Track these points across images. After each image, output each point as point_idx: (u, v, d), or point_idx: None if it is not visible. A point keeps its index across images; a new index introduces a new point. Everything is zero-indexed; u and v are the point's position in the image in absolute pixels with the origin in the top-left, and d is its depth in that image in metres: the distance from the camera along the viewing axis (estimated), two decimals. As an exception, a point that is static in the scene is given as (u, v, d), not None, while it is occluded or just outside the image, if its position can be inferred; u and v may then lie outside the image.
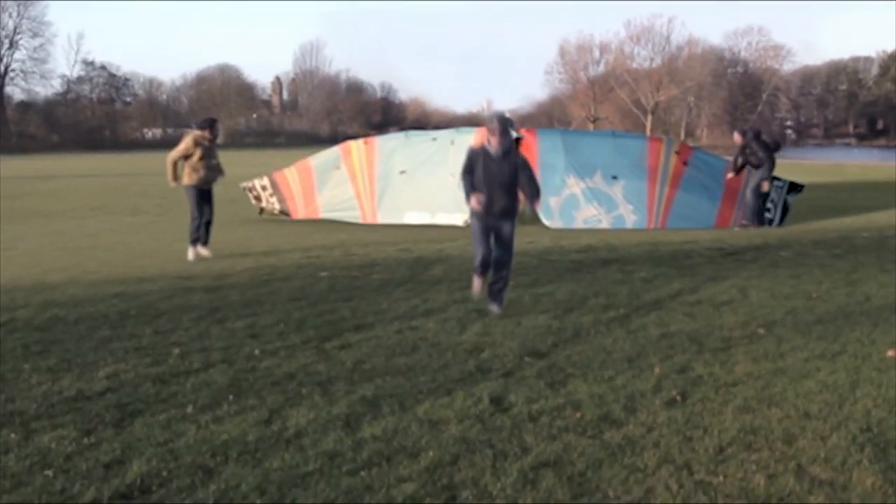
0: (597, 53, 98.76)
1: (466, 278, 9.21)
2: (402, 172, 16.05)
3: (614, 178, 15.06)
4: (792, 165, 31.36)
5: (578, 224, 14.88)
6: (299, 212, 16.43)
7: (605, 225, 14.78)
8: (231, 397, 5.06)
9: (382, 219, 15.77)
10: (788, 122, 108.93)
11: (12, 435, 4.40)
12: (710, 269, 9.89)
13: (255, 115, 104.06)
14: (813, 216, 16.18)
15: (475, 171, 7.34)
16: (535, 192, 7.48)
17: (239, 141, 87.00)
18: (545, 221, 14.87)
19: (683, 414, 4.78)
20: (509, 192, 7.40)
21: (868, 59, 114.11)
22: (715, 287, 8.71)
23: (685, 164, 14.80)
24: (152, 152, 65.38)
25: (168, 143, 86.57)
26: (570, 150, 15.59)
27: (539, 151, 15.43)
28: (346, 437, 4.38)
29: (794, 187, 14.56)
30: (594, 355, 6.11)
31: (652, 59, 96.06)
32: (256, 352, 6.18)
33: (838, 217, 16.09)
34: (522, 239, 12.61)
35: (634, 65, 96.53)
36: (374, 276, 9.46)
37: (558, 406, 4.90)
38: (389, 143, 17.18)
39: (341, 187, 16.35)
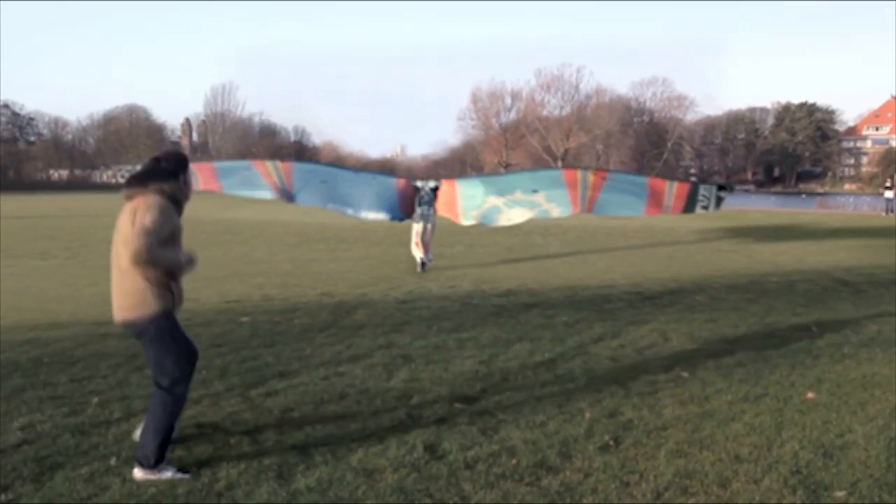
0: (508, 101, 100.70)
1: (390, 323, 9.20)
2: (324, 182, 16.09)
3: (534, 191, 15.42)
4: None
5: (502, 223, 15.79)
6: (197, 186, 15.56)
7: (530, 216, 15.70)
8: (155, 448, 4.84)
9: (301, 202, 16.03)
10: (692, 170, 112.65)
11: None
12: (629, 313, 10.04)
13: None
14: (723, 261, 16.66)
15: None
16: None
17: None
18: (464, 223, 15.86)
19: (618, 459, 4.79)
20: None
21: (764, 110, 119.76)
22: (636, 331, 8.84)
23: (603, 179, 15.05)
24: (58, 194, 63.55)
25: (75, 186, 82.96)
26: (488, 182, 16.35)
27: (459, 188, 16.05)
28: (280, 488, 4.25)
29: (722, 188, 15.03)
30: (524, 400, 6.11)
31: (562, 108, 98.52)
32: (179, 400, 5.95)
33: (746, 262, 16.60)
34: (444, 283, 12.68)
35: (545, 112, 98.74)
36: (295, 321, 9.30)
37: (493, 453, 4.86)
38: (309, 166, 17.45)
39: (250, 176, 16.03)
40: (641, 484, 4.41)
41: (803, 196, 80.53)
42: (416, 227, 15.11)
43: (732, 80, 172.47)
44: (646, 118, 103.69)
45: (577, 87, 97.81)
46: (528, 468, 4.62)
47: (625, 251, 19.15)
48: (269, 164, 16.03)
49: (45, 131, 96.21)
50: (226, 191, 16.23)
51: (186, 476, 4.33)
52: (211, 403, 5.91)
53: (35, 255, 17.42)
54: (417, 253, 14.89)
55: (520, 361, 7.38)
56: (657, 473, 4.55)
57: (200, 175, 15.92)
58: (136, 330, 4.50)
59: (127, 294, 4.40)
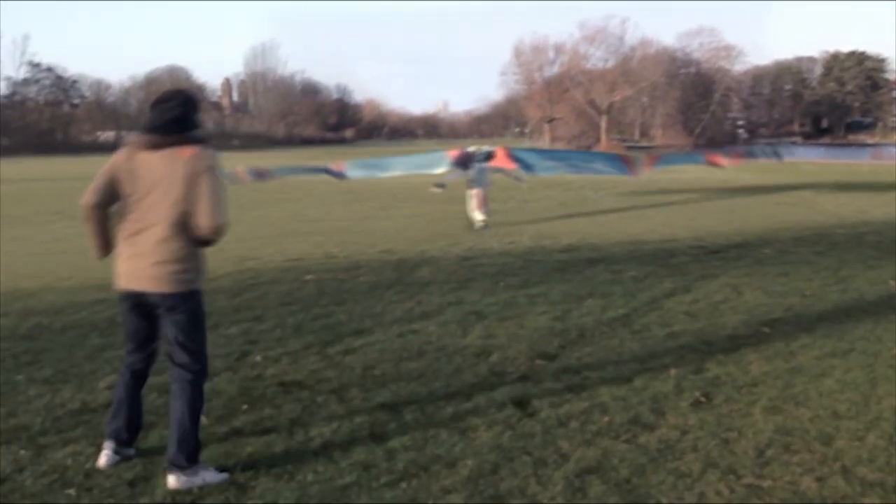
0: (551, 54, 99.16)
1: (455, 280, 9.15)
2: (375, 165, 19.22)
3: (591, 160, 17.28)
4: (749, 166, 31.65)
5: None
6: None
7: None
8: (245, 406, 4.87)
9: (352, 175, 18.35)
10: (740, 122, 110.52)
11: (22, 451, 4.17)
12: (697, 267, 9.86)
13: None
14: (785, 214, 16.33)
15: None
16: None
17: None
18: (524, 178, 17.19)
19: (713, 416, 4.69)
20: None
21: (812, 59, 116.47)
22: (707, 286, 8.67)
23: (657, 157, 15.52)
24: (106, 155, 64.26)
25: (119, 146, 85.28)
26: (545, 153, 17.28)
27: (515, 155, 17.28)
28: (376, 446, 4.22)
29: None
30: (605, 356, 6.02)
31: (606, 60, 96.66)
32: (258, 358, 5.99)
33: (809, 214, 16.25)
34: (503, 239, 12.59)
35: (589, 65, 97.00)
36: (361, 279, 9.28)
37: (584, 410, 4.79)
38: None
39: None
40: (741, 441, 4.31)
41: (853, 147, 78.69)
42: (471, 192, 15.06)
43: (780, 28, 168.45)
44: (692, 69, 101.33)
45: (621, 39, 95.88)
46: (623, 425, 4.54)
47: (681, 205, 18.84)
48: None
49: (88, 94, 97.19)
50: (276, 176, 17.73)
51: (225, 477, 3.84)
52: (291, 362, 5.91)
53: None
54: (477, 215, 14.81)
55: (594, 317, 7.28)
56: (756, 430, 4.45)
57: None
58: (168, 304, 3.85)
59: (169, 261, 3.79)
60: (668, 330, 6.81)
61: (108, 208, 3.93)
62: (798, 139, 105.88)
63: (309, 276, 9.45)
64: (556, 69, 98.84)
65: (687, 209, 17.80)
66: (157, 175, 3.77)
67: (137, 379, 4.12)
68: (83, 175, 31.88)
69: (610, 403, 4.91)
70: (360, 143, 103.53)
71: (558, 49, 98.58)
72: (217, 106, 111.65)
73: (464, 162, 15.60)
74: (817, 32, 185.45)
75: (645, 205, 19.05)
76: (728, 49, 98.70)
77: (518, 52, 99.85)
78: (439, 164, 17.23)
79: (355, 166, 18.85)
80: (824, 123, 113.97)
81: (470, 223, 14.80)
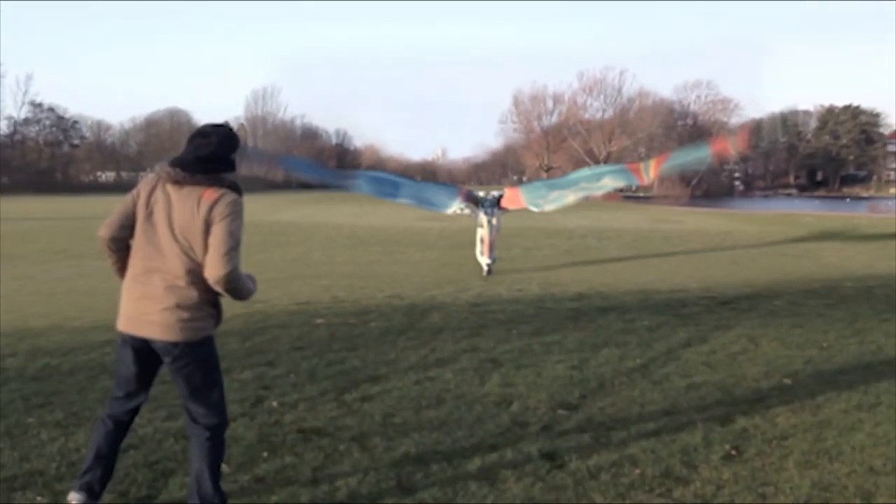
0: (550, 104, 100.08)
1: (467, 326, 9.04)
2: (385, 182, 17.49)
3: (599, 177, 15.98)
4: (746, 216, 31.80)
5: (568, 202, 16.11)
6: None
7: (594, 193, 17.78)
8: (265, 454, 4.74)
9: (361, 190, 16.96)
10: (737, 174, 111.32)
11: (38, 498, 4.03)
12: (710, 318, 9.78)
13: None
14: (790, 266, 16.31)
15: None
16: None
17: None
18: (531, 208, 16.00)
19: (746, 470, 4.58)
20: None
21: (807, 113, 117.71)
22: (723, 337, 8.59)
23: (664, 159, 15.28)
24: (106, 195, 64.32)
25: (122, 187, 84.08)
26: (551, 182, 17.91)
27: (522, 190, 16.91)
28: (404, 497, 4.09)
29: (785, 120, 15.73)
30: (627, 407, 5.91)
31: (604, 111, 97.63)
32: (275, 404, 5.86)
33: (814, 266, 16.23)
34: (511, 286, 12.52)
35: (587, 115, 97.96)
36: (372, 324, 9.18)
37: (614, 462, 4.67)
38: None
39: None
40: (779, 496, 4.19)
41: (848, 200, 79.18)
42: (481, 233, 15.29)
43: (776, 82, 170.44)
44: (689, 121, 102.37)
45: (619, 90, 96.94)
46: (656, 478, 4.42)
47: (685, 255, 18.85)
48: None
49: (88, 134, 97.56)
50: (286, 168, 17.87)
51: None
52: (308, 408, 5.78)
53: (94, 255, 17.52)
54: (483, 259, 14.99)
55: (612, 367, 7.18)
56: (793, 486, 4.33)
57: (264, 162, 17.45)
58: (176, 353, 3.58)
59: (181, 308, 3.53)
60: (689, 381, 6.71)
61: (128, 242, 3.72)
62: (793, 191, 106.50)
63: (319, 321, 9.34)
64: (554, 118, 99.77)
65: (692, 260, 17.78)
66: (175, 214, 3.54)
67: (120, 431, 3.83)
68: (82, 215, 31.88)
69: (639, 455, 4.80)
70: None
71: (557, 99, 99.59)
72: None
73: (473, 199, 15.91)
74: (812, 86, 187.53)
75: (649, 254, 19.05)
76: (725, 102, 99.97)
77: (517, 101, 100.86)
78: (451, 202, 16.66)
79: (366, 178, 18.06)
80: (819, 176, 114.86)
81: (479, 268, 14.82)
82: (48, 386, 6.29)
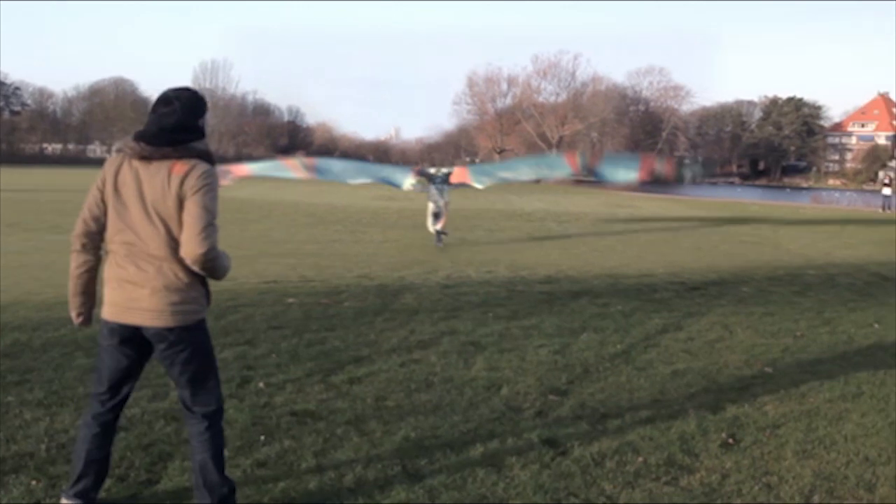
0: (505, 86, 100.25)
1: (443, 308, 8.99)
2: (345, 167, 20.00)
3: (538, 164, 20.49)
4: (696, 202, 32.22)
5: (509, 180, 19.31)
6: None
7: (535, 176, 21.28)
8: (262, 437, 4.62)
9: (325, 177, 19.08)
10: (687, 161, 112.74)
11: (33, 482, 3.87)
12: (682, 304, 9.85)
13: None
14: (752, 253, 16.52)
15: None
16: None
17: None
18: (476, 185, 18.18)
19: (747, 459, 4.59)
20: None
21: (751, 103, 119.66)
22: (697, 324, 8.65)
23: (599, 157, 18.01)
24: (54, 168, 62.82)
25: (69, 160, 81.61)
26: (496, 165, 21.94)
27: (469, 170, 19.26)
28: (413, 485, 4.01)
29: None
30: (617, 394, 5.91)
31: (558, 94, 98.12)
32: (261, 385, 5.74)
33: (775, 253, 16.47)
34: (479, 268, 12.47)
35: (541, 99, 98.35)
36: (345, 304, 9.06)
37: (616, 449, 4.65)
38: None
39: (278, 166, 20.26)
40: (784, 486, 4.21)
41: (788, 190, 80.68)
42: (432, 206, 16.47)
43: (727, 72, 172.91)
44: (641, 107, 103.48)
45: (573, 75, 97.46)
46: (660, 466, 4.41)
47: (649, 240, 18.98)
48: (296, 160, 19.55)
49: (29, 102, 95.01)
50: (256, 174, 18.80)
51: None
52: (296, 389, 5.67)
53: (48, 229, 17.10)
54: (433, 227, 16.31)
55: (594, 352, 7.17)
56: (795, 475, 4.35)
57: (235, 172, 18.52)
58: (170, 339, 3.36)
59: (171, 291, 3.30)
60: (672, 368, 6.73)
61: (102, 238, 3.43)
62: (736, 179, 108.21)
63: (291, 300, 9.19)
64: (508, 101, 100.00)
65: (655, 244, 17.92)
66: (147, 191, 3.27)
67: (108, 433, 3.56)
68: (32, 188, 31.05)
69: (639, 443, 4.78)
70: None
71: (511, 81, 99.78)
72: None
73: (425, 175, 17.54)
74: (760, 77, 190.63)
75: (609, 237, 19.14)
76: (676, 89, 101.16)
77: (472, 83, 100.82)
78: (405, 178, 18.38)
79: (326, 163, 20.04)
80: (761, 166, 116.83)
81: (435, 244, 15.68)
82: (21, 363, 6.07)
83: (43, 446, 4.35)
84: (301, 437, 4.67)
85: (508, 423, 5.08)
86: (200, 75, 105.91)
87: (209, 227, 3.24)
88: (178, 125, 3.35)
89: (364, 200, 30.61)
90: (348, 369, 6.27)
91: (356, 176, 18.91)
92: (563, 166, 19.15)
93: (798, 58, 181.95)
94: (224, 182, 16.82)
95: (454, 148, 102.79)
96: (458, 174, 17.89)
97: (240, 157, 77.90)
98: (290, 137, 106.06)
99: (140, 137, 3.34)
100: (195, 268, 3.29)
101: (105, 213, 3.37)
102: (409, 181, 18.13)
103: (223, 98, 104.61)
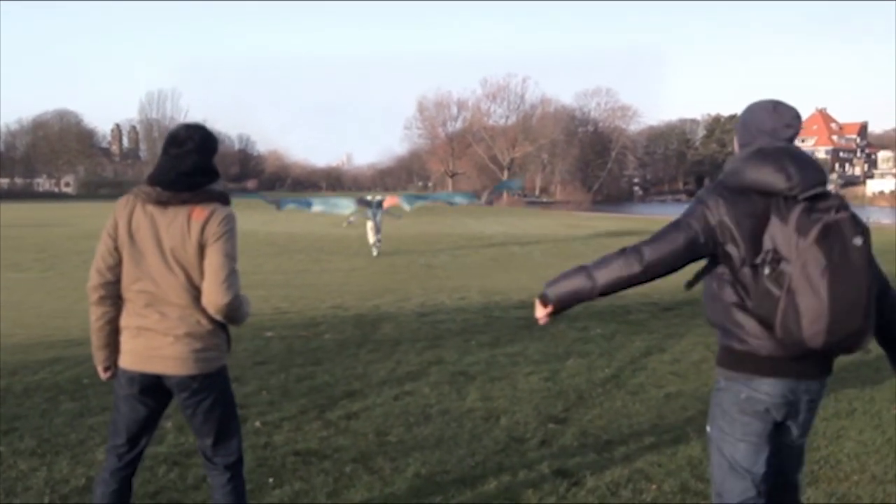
0: (455, 110, 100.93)
1: (424, 338, 8.95)
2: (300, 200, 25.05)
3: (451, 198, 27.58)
4: (652, 220, 32.61)
5: (428, 204, 27.18)
6: None
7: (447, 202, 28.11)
8: (271, 480, 4.53)
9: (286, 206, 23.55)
10: (636, 180, 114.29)
11: (44, 538, 3.73)
12: (659, 325, 9.93)
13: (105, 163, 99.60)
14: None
15: None
16: None
17: (94, 192, 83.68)
18: (404, 206, 23.11)
19: (758, 482, 4.60)
20: None
21: (695, 122, 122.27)
22: (679, 345, 8.71)
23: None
24: (3, 203, 61.40)
25: (16, 195, 79.74)
26: (420, 196, 28.50)
27: (399, 197, 24.91)
28: (435, 523, 3.96)
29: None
30: (616, 420, 5.91)
31: (507, 117, 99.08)
32: (258, 424, 5.63)
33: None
34: (452, 294, 12.44)
35: (491, 122, 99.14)
36: (326, 336, 8.97)
37: (629, 477, 4.64)
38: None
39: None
40: (800, 509, 4.22)
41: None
42: (369, 224, 21.49)
43: (671, 90, 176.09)
44: (590, 128, 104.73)
45: (522, 97, 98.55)
46: (675, 494, 4.41)
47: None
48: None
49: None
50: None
51: None
52: (294, 428, 5.57)
53: (8, 266, 16.68)
54: (371, 238, 21.08)
55: (584, 378, 7.18)
56: (809, 497, 4.38)
57: None
58: (193, 388, 3.26)
59: (193, 338, 3.22)
60: (664, 391, 6.76)
61: (119, 287, 3.28)
62: (683, 196, 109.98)
63: (269, 334, 9.06)
64: (458, 124, 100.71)
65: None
66: (164, 237, 3.18)
67: (125, 488, 3.43)
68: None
69: (650, 470, 4.78)
70: (267, 193, 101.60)
71: (461, 105, 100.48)
72: (106, 152, 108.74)
73: (364, 203, 22.47)
74: (704, 96, 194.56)
75: (577, 259, 19.23)
76: (624, 109, 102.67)
77: (422, 107, 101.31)
78: (349, 206, 23.02)
79: (286, 201, 24.47)
80: (706, 182, 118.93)
81: (369, 248, 20.87)
82: (6, 410, 5.89)
83: (46, 499, 4.21)
84: (310, 478, 4.58)
85: (515, 455, 5.04)
86: (147, 105, 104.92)
87: (232, 274, 3.18)
88: (196, 168, 3.26)
89: (323, 228, 30.44)
90: (343, 404, 6.19)
91: (312, 204, 23.22)
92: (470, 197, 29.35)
93: (739, 75, 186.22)
94: None
95: (406, 172, 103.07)
96: (390, 200, 23.07)
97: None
98: (242, 166, 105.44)
99: (155, 182, 3.24)
100: (219, 317, 3.21)
101: (120, 262, 3.26)
102: (351, 207, 22.71)
103: (171, 128, 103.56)
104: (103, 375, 3.42)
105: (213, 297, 3.14)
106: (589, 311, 10.84)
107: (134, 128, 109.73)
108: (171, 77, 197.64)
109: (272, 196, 27.17)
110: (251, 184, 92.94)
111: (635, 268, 2.88)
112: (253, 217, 38.18)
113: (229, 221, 3.23)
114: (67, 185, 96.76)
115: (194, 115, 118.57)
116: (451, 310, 11.07)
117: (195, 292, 3.19)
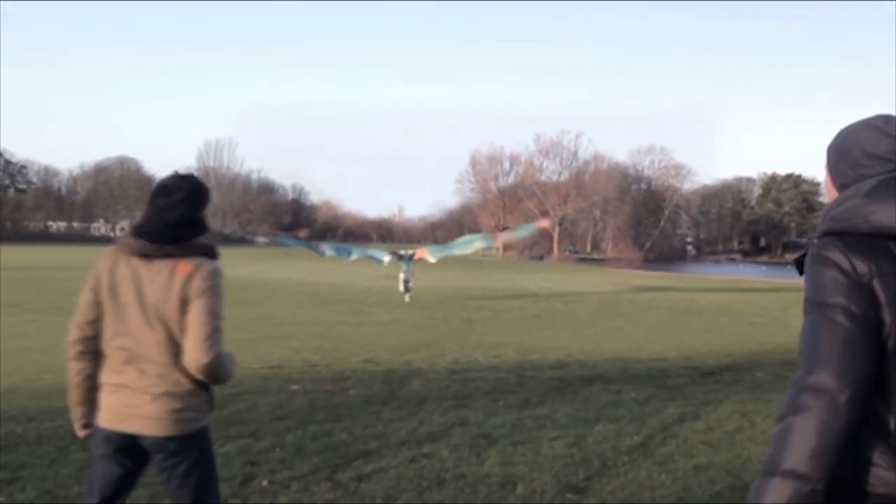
0: (507, 164, 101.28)
1: (452, 396, 8.73)
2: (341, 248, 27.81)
3: (472, 241, 26.97)
4: (705, 280, 32.10)
5: (454, 254, 26.72)
6: None
7: (468, 251, 27.27)
8: (266, 545, 4.34)
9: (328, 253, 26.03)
10: (689, 239, 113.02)
11: None
12: (697, 390, 9.59)
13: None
14: (762, 335, 16.28)
15: None
16: None
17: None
18: (430, 259, 25.24)
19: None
20: None
21: (750, 180, 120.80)
22: (715, 412, 8.37)
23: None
24: (57, 246, 62.95)
25: (73, 238, 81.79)
26: (443, 246, 28.19)
27: (426, 250, 26.21)
28: None
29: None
30: (639, 492, 5.62)
31: (560, 173, 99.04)
32: (265, 483, 5.46)
33: (786, 336, 16.21)
34: (487, 352, 12.23)
35: (543, 177, 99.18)
36: (351, 392, 8.81)
37: (643, 558, 4.37)
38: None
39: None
40: None
41: (789, 267, 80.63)
42: (402, 276, 23.70)
43: (726, 149, 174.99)
44: (643, 186, 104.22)
45: (575, 154, 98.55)
46: (691, 578, 4.12)
47: (655, 321, 18.76)
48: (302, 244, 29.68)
49: (35, 180, 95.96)
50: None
51: None
52: (302, 488, 5.40)
53: (50, 310, 16.91)
54: (402, 288, 23.41)
55: (611, 444, 6.89)
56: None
57: None
58: (170, 449, 3.12)
59: (172, 397, 3.08)
60: (693, 462, 6.44)
61: (99, 343, 3.17)
62: (737, 256, 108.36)
63: (295, 387, 8.94)
64: (510, 179, 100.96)
65: (665, 326, 17.71)
66: (146, 291, 3.06)
67: None
68: (34, 266, 31.00)
69: (667, 550, 4.50)
70: (315, 242, 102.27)
71: (513, 160, 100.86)
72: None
73: (397, 255, 24.84)
74: (756, 154, 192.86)
75: (618, 318, 18.92)
76: (678, 168, 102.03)
77: (474, 161, 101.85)
78: (384, 257, 25.44)
79: (329, 248, 26.79)
80: (762, 242, 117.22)
81: (401, 295, 23.00)
82: (15, 458, 5.81)
83: (33, 556, 4.08)
84: (310, 544, 4.39)
85: (526, 527, 4.80)
86: (205, 154, 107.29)
87: (215, 333, 3.05)
88: (182, 220, 3.15)
89: (367, 280, 30.50)
90: (356, 465, 6.00)
91: (351, 253, 25.60)
92: (488, 239, 28.28)
93: (796, 135, 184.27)
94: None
95: (457, 226, 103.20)
96: (419, 252, 25.15)
97: (243, 237, 78.43)
98: (294, 215, 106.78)
99: (140, 234, 3.13)
100: (199, 376, 3.08)
101: (100, 317, 3.15)
102: (387, 258, 25.15)
103: (227, 176, 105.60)
104: (81, 433, 3.31)
105: (194, 356, 3.02)
106: (626, 374, 10.60)
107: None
108: (228, 125, 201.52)
109: (317, 244, 28.33)
110: (303, 233, 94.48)
111: (835, 418, 1.83)
112: (300, 267, 38.51)
113: (214, 276, 3.12)
114: (122, 229, 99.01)
115: (250, 164, 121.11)
116: (484, 368, 10.85)
117: (176, 350, 3.07)
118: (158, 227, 3.12)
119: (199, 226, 3.21)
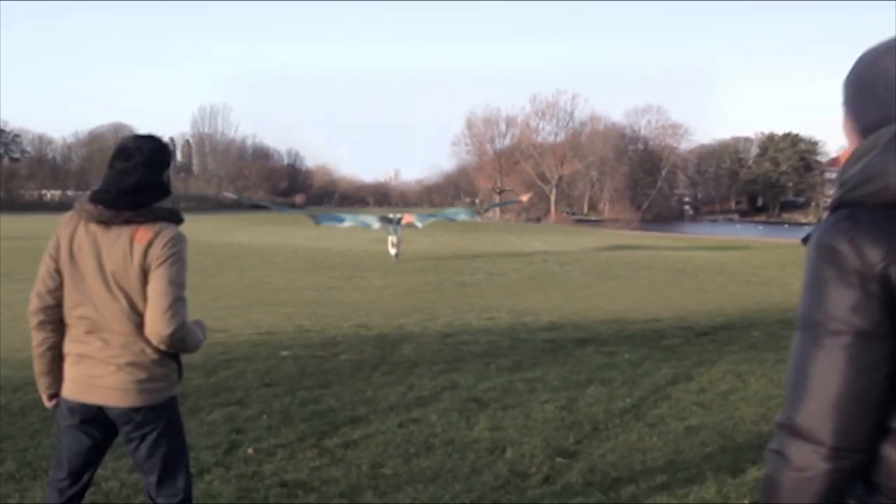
0: (503, 127, 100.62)
1: (443, 360, 8.65)
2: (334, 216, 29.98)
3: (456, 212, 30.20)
4: (702, 240, 32.01)
5: (437, 220, 29.26)
6: None
7: (453, 218, 29.99)
8: (248, 515, 4.27)
9: (322, 221, 27.99)
10: (686, 199, 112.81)
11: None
12: (691, 350, 9.51)
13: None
14: (758, 295, 16.21)
15: None
16: None
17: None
18: (417, 224, 26.97)
19: (773, 531, 4.22)
20: None
21: (748, 140, 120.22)
22: (708, 373, 8.30)
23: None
24: (52, 214, 62.58)
25: (68, 206, 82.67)
26: (431, 213, 29.70)
27: (414, 216, 27.54)
28: (412, 570, 3.66)
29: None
30: (629, 455, 5.55)
31: (556, 134, 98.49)
32: (250, 451, 5.38)
33: (783, 295, 16.15)
34: (480, 315, 12.14)
35: (539, 139, 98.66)
36: (342, 357, 8.72)
37: (633, 522, 4.30)
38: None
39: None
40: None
41: (786, 226, 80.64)
42: (391, 238, 25.11)
43: (723, 108, 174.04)
44: (640, 146, 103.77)
45: (571, 114, 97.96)
46: (681, 543, 4.06)
47: (650, 282, 18.68)
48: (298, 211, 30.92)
49: (29, 149, 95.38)
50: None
51: None
52: (287, 456, 5.32)
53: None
54: (392, 250, 24.62)
55: (602, 407, 6.82)
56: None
57: None
58: (137, 420, 3.01)
59: (137, 367, 2.97)
60: (685, 424, 6.37)
61: (62, 312, 3.03)
62: (735, 216, 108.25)
63: (285, 353, 8.85)
64: (507, 141, 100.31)
65: (660, 286, 17.64)
66: (106, 260, 2.93)
67: None
68: (28, 234, 30.86)
69: (658, 514, 4.43)
70: (310, 208, 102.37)
71: (510, 122, 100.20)
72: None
73: (387, 220, 26.15)
74: (756, 113, 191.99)
75: (613, 279, 18.85)
76: (675, 127, 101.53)
77: (470, 124, 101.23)
78: (374, 222, 27.04)
79: (322, 217, 28.51)
80: (760, 202, 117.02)
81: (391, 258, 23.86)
82: (-3, 429, 5.72)
83: (9, 529, 4.00)
84: (293, 513, 4.31)
85: (514, 492, 4.73)
86: (199, 120, 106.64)
87: (177, 302, 2.91)
88: (140, 185, 2.99)
89: (362, 244, 30.39)
90: (343, 431, 5.92)
91: (343, 220, 27.25)
92: (471, 212, 32.43)
93: (793, 93, 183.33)
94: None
95: (454, 189, 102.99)
96: (407, 217, 26.67)
97: (239, 202, 78.28)
98: (290, 180, 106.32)
99: (98, 199, 2.99)
100: (161, 347, 2.96)
101: (61, 285, 3.01)
102: (376, 223, 26.59)
103: (222, 142, 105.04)
104: (48, 404, 3.21)
105: (155, 327, 2.90)
106: (620, 335, 10.53)
107: (188, 142, 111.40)
108: (223, 91, 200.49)
109: (311, 211, 30.18)
110: (299, 198, 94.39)
111: (823, 465, 1.44)
112: (297, 232, 38.37)
113: (176, 243, 2.96)
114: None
115: (244, 130, 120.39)
116: (477, 331, 10.76)
117: (139, 319, 2.95)
118: (115, 192, 2.98)
119: (160, 189, 3.06)
